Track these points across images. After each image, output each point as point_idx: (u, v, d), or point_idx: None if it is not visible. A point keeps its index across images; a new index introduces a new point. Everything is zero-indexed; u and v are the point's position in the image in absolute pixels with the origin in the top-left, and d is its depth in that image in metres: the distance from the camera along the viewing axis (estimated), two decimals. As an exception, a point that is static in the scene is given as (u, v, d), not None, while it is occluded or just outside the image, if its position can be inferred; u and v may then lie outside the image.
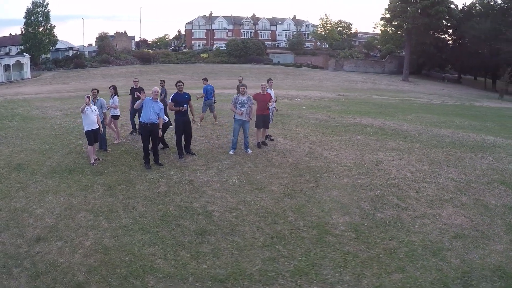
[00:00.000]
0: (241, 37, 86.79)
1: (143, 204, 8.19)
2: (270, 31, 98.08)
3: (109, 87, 12.97)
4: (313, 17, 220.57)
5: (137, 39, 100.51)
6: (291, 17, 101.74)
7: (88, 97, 10.54)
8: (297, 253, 6.46)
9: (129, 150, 12.08)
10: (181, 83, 11.03)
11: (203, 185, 9.23)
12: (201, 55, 75.90)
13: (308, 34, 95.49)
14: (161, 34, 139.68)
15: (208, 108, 15.51)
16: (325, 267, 6.10)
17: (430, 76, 66.11)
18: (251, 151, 11.46)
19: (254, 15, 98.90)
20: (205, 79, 15.82)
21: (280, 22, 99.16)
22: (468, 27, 51.16)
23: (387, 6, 57.24)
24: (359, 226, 7.42)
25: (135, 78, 14.39)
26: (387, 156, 12.13)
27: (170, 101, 10.99)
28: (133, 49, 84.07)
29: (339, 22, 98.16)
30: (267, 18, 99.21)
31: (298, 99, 26.24)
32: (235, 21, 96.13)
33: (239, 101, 11.14)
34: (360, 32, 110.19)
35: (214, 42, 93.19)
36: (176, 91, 10.94)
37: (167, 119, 11.42)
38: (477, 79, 69.17)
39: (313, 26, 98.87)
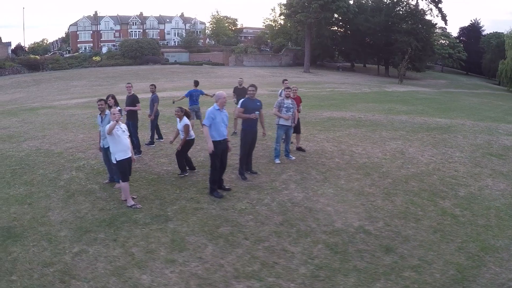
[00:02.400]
0: (131, 37, 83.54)
1: (289, 242, 6.47)
2: (158, 30, 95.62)
3: (107, 98, 10.00)
4: (201, 14, 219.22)
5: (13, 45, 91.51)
6: (179, 15, 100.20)
7: (120, 110, 8.01)
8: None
9: (156, 177, 9.52)
10: (253, 88, 9.56)
11: (312, 202, 7.98)
12: (93, 58, 71.65)
13: (199, 31, 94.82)
14: (38, 39, 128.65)
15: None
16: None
17: (324, 66, 69.92)
18: (294, 157, 10.83)
19: (141, 13, 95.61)
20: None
21: (168, 20, 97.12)
22: (363, 20, 55.73)
23: (283, 2, 60.42)
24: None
25: (128, 83, 12.32)
26: (398, 145, 12.94)
27: (239, 106, 9.50)
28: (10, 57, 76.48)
29: (225, 18, 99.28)
30: (155, 17, 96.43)
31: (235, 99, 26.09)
32: (122, 21, 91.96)
33: (285, 105, 10.28)
34: (246, 28, 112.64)
35: (102, 43, 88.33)
36: (247, 96, 9.61)
37: (193, 136, 9.79)
38: (366, 66, 75.43)
39: (201, 23, 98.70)
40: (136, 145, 11.08)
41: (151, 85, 13.25)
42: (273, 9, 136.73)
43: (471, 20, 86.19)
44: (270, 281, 5.46)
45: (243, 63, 67.77)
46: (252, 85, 9.60)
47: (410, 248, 6.29)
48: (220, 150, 8.14)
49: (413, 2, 58.51)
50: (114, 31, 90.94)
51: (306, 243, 6.37)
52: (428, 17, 58.48)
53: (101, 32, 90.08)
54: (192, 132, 9.58)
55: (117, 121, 7.52)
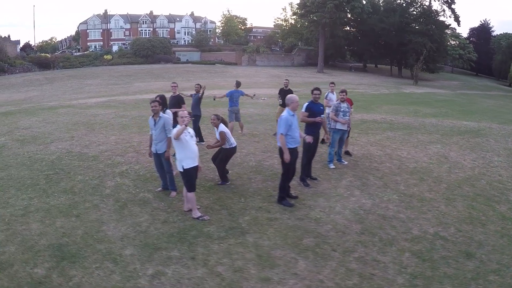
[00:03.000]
0: (141, 36, 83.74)
1: (377, 252, 6.40)
2: (168, 29, 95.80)
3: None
4: (211, 13, 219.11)
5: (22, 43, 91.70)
6: (189, 14, 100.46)
7: (189, 114, 7.24)
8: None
9: (213, 185, 9.12)
10: (318, 91, 9.34)
11: (382, 209, 8.00)
12: (105, 56, 71.95)
13: (209, 30, 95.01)
14: (46, 38, 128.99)
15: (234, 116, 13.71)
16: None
17: (336, 66, 70.14)
18: (346, 162, 10.91)
19: (151, 12, 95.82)
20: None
21: (178, 19, 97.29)
22: (377, 20, 56.04)
23: (296, 1, 60.73)
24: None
25: (173, 83, 11.75)
26: (439, 149, 13.20)
27: (304, 110, 9.22)
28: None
29: (235, 17, 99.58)
30: (165, 15, 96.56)
31: (264, 98, 26.30)
32: (132, 19, 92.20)
33: (342, 109, 10.21)
34: (255, 27, 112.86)
35: (112, 42, 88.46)
36: (311, 99, 9.33)
37: (235, 144, 9.13)
38: (378, 66, 75.68)
39: (212, 22, 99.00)
40: None
41: (197, 84, 12.91)
42: (284, 9, 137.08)
43: (480, 21, 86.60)
44: (374, 294, 5.41)
45: (256, 63, 68.06)
46: (317, 88, 9.40)
47: (486, 253, 6.51)
48: (295, 157, 7.87)
49: (426, 3, 58.96)
50: (124, 29, 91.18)
51: (393, 252, 6.36)
52: (441, 18, 58.77)
53: (111, 30, 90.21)
54: (232, 140, 9.01)
55: (186, 125, 6.89)
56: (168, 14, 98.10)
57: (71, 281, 5.34)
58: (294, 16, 74.64)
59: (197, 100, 12.42)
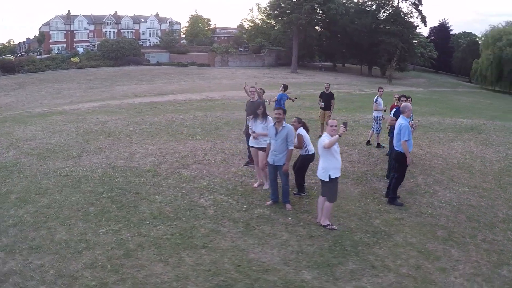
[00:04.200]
0: (105, 37, 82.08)
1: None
2: (133, 30, 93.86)
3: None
4: (176, 14, 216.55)
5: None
6: (154, 14, 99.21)
7: (345, 124, 6.88)
8: None
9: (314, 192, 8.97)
10: (404, 97, 10.34)
11: (471, 201, 8.99)
12: (72, 59, 70.06)
13: (176, 32, 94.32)
14: (1, 40, 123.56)
15: None
16: None
17: (306, 66, 71.42)
18: None
19: (116, 13, 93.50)
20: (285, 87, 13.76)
21: (143, 20, 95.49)
22: (349, 21, 58.07)
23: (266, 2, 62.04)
24: None
25: (252, 87, 10.35)
26: (461, 145, 14.40)
27: (392, 115, 9.77)
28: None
29: (202, 18, 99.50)
30: (130, 16, 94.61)
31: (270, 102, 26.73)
32: (96, 20, 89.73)
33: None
34: (219, 28, 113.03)
35: (76, 44, 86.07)
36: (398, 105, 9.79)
37: (313, 150, 8.62)
38: (345, 65, 77.90)
39: (177, 23, 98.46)
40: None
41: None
42: (251, 9, 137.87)
43: (439, 20, 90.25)
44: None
45: (228, 64, 68.45)
46: (404, 96, 10.47)
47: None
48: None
49: (395, 4, 61.24)
50: (88, 31, 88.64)
51: (498, 231, 7.53)
52: (409, 19, 61.32)
53: (74, 32, 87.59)
54: (310, 147, 8.55)
55: (340, 136, 6.80)
56: (133, 15, 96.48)
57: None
58: (261, 17, 76.06)
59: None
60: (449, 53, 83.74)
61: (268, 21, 77.51)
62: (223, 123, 16.92)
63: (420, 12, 59.90)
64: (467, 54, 75.19)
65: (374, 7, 61.78)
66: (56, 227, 6.99)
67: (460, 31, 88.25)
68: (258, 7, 79.14)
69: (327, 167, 7.07)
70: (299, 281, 5.67)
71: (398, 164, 8.46)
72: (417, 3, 58.98)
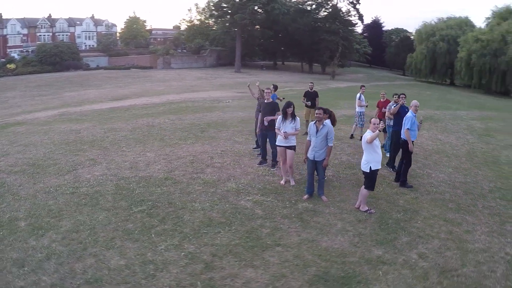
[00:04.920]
0: (40, 42, 78.73)
1: None
2: (69, 33, 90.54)
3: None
4: (112, 16, 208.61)
5: None
6: (90, 17, 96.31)
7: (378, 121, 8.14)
8: None
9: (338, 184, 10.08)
10: (403, 95, 11.64)
11: (487, 182, 10.81)
12: (8, 66, 66.74)
13: (113, 34, 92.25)
14: None
15: None
16: None
17: (247, 65, 72.25)
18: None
19: (50, 15, 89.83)
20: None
21: (78, 22, 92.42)
22: (290, 20, 59.95)
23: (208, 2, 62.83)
24: None
25: (267, 88, 10.88)
26: (431, 134, 16.26)
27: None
28: None
29: (139, 20, 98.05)
30: (65, 19, 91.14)
31: (228, 101, 27.21)
32: (30, 24, 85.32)
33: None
34: (154, 29, 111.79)
35: (9, 50, 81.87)
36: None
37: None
38: (285, 64, 79.92)
39: (113, 25, 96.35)
40: (274, 156, 10.81)
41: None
42: (190, 10, 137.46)
43: (372, 17, 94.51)
44: None
45: (171, 66, 68.11)
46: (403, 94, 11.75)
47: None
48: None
49: (334, 2, 63.85)
50: (21, 35, 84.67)
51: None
52: (348, 17, 64.15)
53: (7, 36, 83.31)
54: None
55: (379, 131, 7.86)
56: (68, 17, 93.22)
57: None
58: (199, 17, 76.52)
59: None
60: (382, 48, 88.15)
61: (206, 21, 77.79)
62: (205, 125, 17.01)
63: (358, 10, 62.95)
64: (400, 49, 79.96)
65: (314, 6, 63.92)
66: (103, 253, 6.46)
67: (393, 28, 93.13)
68: (197, 8, 78.88)
69: (369, 160, 8.06)
70: (375, 257, 6.61)
71: (403, 151, 9.93)
72: (354, 1, 61.81)
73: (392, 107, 11.88)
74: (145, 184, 9.46)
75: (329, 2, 62.83)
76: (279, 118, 9.52)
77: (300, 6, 64.89)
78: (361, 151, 12.74)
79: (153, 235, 7.02)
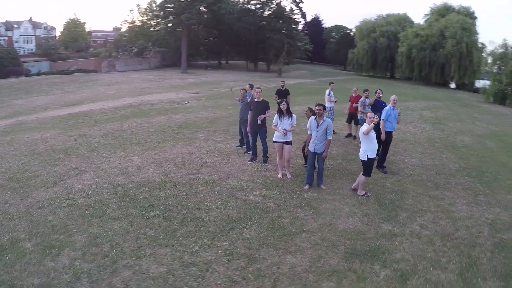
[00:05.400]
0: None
1: None
2: (6, 38, 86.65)
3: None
4: (50, 18, 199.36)
5: None
6: (28, 19, 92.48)
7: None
8: None
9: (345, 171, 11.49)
10: (380, 91, 13.18)
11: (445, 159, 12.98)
12: None
13: (53, 37, 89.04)
14: None
15: None
16: None
17: (192, 65, 71.84)
18: None
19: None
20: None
21: (16, 25, 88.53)
22: (236, 20, 60.66)
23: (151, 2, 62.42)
24: None
25: (258, 88, 11.72)
26: (410, 124, 18.44)
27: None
28: None
29: (80, 22, 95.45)
30: (2, 22, 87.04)
31: (187, 102, 27.36)
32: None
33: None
34: (94, 31, 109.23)
35: None
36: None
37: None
38: (229, 63, 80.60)
39: (53, 27, 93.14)
40: (265, 152, 11.52)
41: (242, 89, 13.30)
42: (131, 11, 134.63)
43: (311, 15, 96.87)
44: None
45: (116, 68, 66.99)
46: (380, 89, 13.20)
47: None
48: (390, 138, 11.28)
49: (277, 1, 64.96)
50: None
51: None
52: (291, 16, 65.71)
53: None
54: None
55: (374, 124, 8.79)
56: (5, 20, 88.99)
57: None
58: (141, 18, 75.64)
59: (246, 105, 12.16)
60: (322, 45, 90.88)
61: (149, 22, 77.05)
62: (177, 127, 17.11)
63: (300, 9, 64.82)
64: (340, 45, 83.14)
65: (258, 5, 64.92)
66: (137, 263, 6.37)
67: (332, 25, 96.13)
68: (139, 8, 77.75)
69: (366, 150, 9.12)
70: (387, 232, 7.84)
71: (380, 140, 10.94)
72: (297, 0, 63.62)
73: (366, 101, 13.06)
74: (146, 189, 9.42)
75: (273, 1, 64.04)
76: (276, 116, 10.34)
77: (245, 6, 65.66)
78: (337, 143, 14.14)
79: (180, 238, 7.11)
